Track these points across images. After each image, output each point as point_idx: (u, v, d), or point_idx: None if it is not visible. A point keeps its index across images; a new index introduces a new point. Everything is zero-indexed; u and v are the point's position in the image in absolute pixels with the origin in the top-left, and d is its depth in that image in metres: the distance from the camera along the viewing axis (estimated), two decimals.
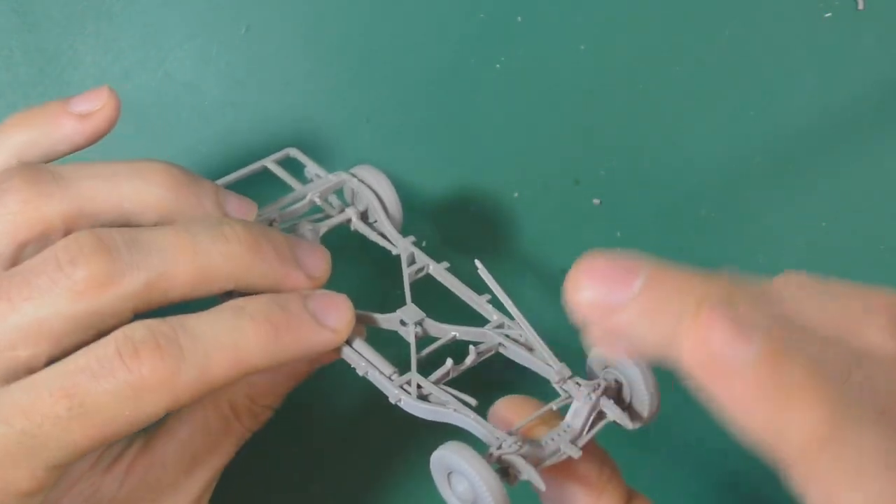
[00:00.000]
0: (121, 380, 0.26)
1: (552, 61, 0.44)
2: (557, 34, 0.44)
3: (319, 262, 0.31)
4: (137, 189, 0.30)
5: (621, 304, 0.22)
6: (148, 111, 0.42)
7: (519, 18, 0.43)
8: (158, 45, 0.42)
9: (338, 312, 0.30)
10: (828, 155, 0.46)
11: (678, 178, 0.45)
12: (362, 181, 0.37)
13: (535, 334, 0.31)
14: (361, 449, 0.44)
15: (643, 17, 0.44)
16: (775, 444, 0.21)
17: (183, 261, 0.28)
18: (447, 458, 0.26)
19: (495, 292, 0.32)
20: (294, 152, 0.38)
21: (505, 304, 0.31)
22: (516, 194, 0.44)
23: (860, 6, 0.44)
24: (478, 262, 0.32)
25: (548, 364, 0.31)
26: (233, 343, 0.27)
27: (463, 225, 0.44)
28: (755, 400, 0.21)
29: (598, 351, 0.30)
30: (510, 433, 0.28)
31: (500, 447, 0.27)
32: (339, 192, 0.38)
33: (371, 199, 0.36)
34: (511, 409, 0.30)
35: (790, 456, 0.21)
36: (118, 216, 0.30)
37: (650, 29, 0.44)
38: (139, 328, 0.27)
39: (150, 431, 0.33)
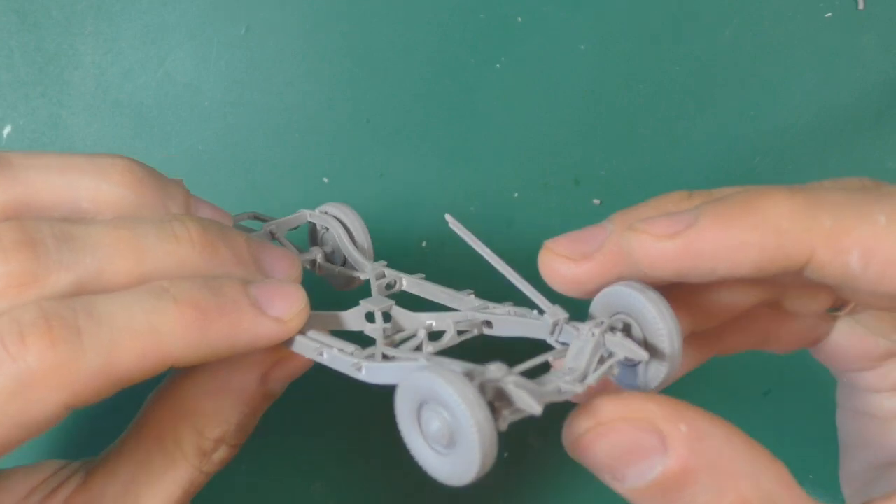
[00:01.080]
0: (4, 371, 0.22)
1: (552, 61, 0.44)
2: (557, 34, 0.43)
3: (287, 268, 0.28)
4: (94, 185, 0.26)
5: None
6: (148, 111, 0.42)
7: (519, 18, 0.43)
8: (158, 45, 0.42)
9: (285, 301, 0.26)
10: (828, 155, 0.46)
11: (678, 178, 0.45)
12: (325, 212, 0.33)
13: (520, 279, 0.27)
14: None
15: (643, 17, 0.44)
16: (777, 252, 0.23)
17: (122, 260, 0.24)
18: (420, 382, 0.21)
19: (468, 241, 0.27)
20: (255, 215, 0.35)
21: (482, 253, 0.27)
22: (516, 194, 0.44)
23: (860, 6, 0.44)
24: (448, 217, 0.28)
25: (537, 317, 0.26)
26: (149, 328, 0.23)
27: (463, 225, 0.44)
28: (721, 237, 0.23)
29: (597, 301, 0.26)
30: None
31: (483, 374, 0.22)
32: (303, 240, 0.35)
33: (336, 228, 0.33)
34: None
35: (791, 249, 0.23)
36: (71, 214, 0.26)
37: (650, 29, 0.44)
38: (30, 309, 0.23)
39: (89, 468, 0.29)
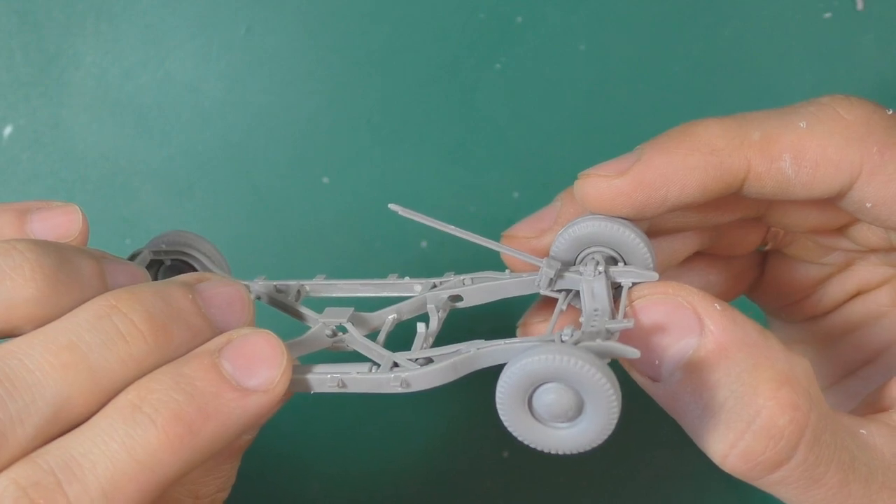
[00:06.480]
0: None
1: (552, 61, 0.44)
2: (557, 34, 0.44)
3: (240, 310, 0.25)
4: (3, 302, 0.22)
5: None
6: (148, 111, 0.42)
7: (519, 18, 0.43)
8: (158, 45, 0.42)
9: (264, 365, 0.23)
10: None
11: None
12: (170, 248, 0.29)
13: (496, 243, 0.26)
14: None
15: (643, 17, 0.44)
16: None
17: (78, 392, 0.21)
18: (529, 367, 0.21)
19: (427, 223, 0.26)
20: None
21: (447, 230, 0.26)
22: (516, 194, 0.44)
23: (860, 6, 0.44)
24: (393, 206, 0.26)
25: (512, 276, 0.26)
26: (136, 465, 0.21)
27: (463, 225, 0.44)
28: None
29: (560, 242, 0.26)
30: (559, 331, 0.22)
31: (562, 341, 0.22)
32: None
33: (197, 261, 0.29)
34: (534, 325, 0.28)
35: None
36: None
37: (650, 29, 0.44)
38: (8, 491, 0.20)
39: None
